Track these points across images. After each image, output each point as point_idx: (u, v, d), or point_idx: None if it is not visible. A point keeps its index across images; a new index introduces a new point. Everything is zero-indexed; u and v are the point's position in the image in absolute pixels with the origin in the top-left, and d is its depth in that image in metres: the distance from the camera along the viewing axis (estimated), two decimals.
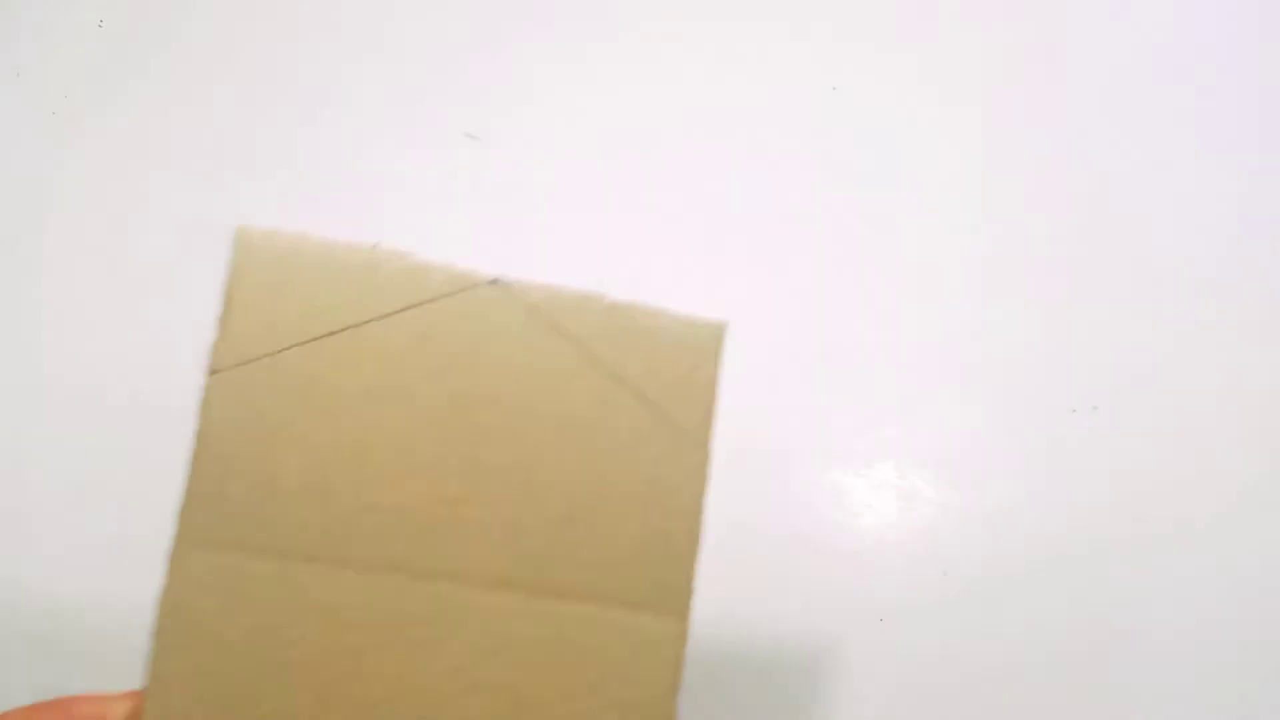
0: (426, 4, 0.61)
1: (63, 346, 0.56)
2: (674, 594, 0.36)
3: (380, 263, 0.35)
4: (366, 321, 0.35)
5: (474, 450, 0.35)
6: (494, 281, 0.36)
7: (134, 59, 0.61)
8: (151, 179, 0.59)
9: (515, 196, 0.59)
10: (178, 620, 0.33)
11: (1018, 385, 0.59)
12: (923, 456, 0.58)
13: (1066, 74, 0.64)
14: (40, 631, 0.51)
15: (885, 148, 0.60)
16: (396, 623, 0.34)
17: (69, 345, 0.56)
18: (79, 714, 0.34)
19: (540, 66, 0.61)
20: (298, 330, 0.35)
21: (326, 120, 0.58)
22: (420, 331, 0.35)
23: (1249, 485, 0.58)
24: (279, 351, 0.35)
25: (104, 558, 0.51)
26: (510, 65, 0.61)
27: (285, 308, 0.35)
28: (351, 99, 0.59)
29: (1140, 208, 0.63)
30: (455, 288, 0.36)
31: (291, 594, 0.34)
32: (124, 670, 0.55)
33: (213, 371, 0.34)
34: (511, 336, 0.36)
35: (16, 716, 0.33)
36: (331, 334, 0.35)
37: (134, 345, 0.55)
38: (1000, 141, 0.63)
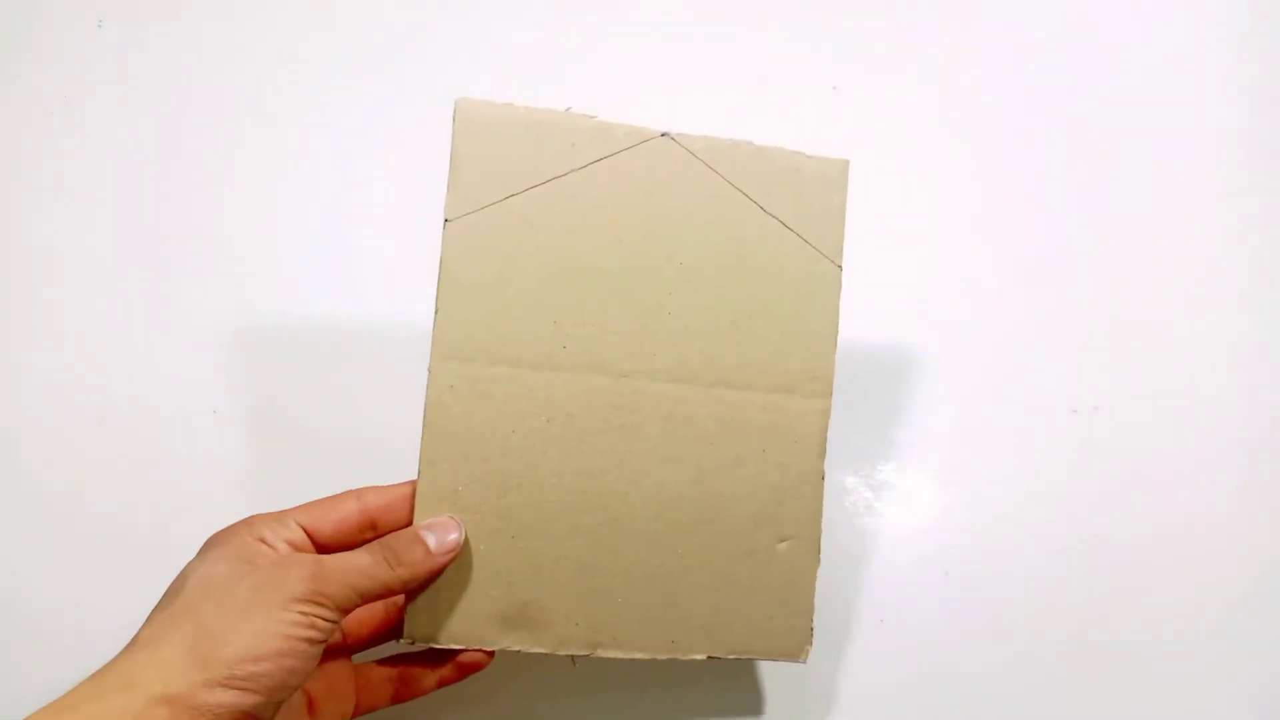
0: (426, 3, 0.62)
1: (62, 345, 0.56)
2: (818, 381, 0.45)
3: (573, 124, 0.43)
4: (568, 172, 0.43)
5: (658, 271, 0.44)
6: (664, 134, 0.44)
7: (134, 59, 0.60)
8: (151, 179, 0.58)
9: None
10: (438, 417, 0.42)
11: (1018, 385, 0.59)
12: (923, 456, 0.57)
13: (1066, 74, 0.64)
14: (41, 632, 0.52)
15: (885, 147, 0.61)
16: (605, 412, 0.43)
17: (69, 343, 0.56)
18: (368, 500, 0.42)
19: (538, 73, 0.61)
20: (513, 181, 0.42)
21: (327, 120, 0.59)
22: (611, 177, 0.43)
23: (1249, 484, 0.58)
24: (500, 200, 0.42)
25: (103, 556, 0.53)
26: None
27: (502, 163, 0.42)
28: (352, 99, 0.59)
29: (1141, 209, 0.62)
30: (635, 140, 0.43)
31: (524, 393, 0.43)
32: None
33: (447, 220, 0.42)
34: (681, 177, 0.44)
35: (317, 506, 0.41)
36: (541, 183, 0.43)
37: (134, 345, 0.56)
38: (1001, 142, 0.62)
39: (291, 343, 0.56)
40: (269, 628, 0.35)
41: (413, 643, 0.42)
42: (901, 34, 0.65)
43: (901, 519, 0.57)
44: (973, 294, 0.61)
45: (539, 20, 0.63)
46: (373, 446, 0.54)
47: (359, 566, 0.38)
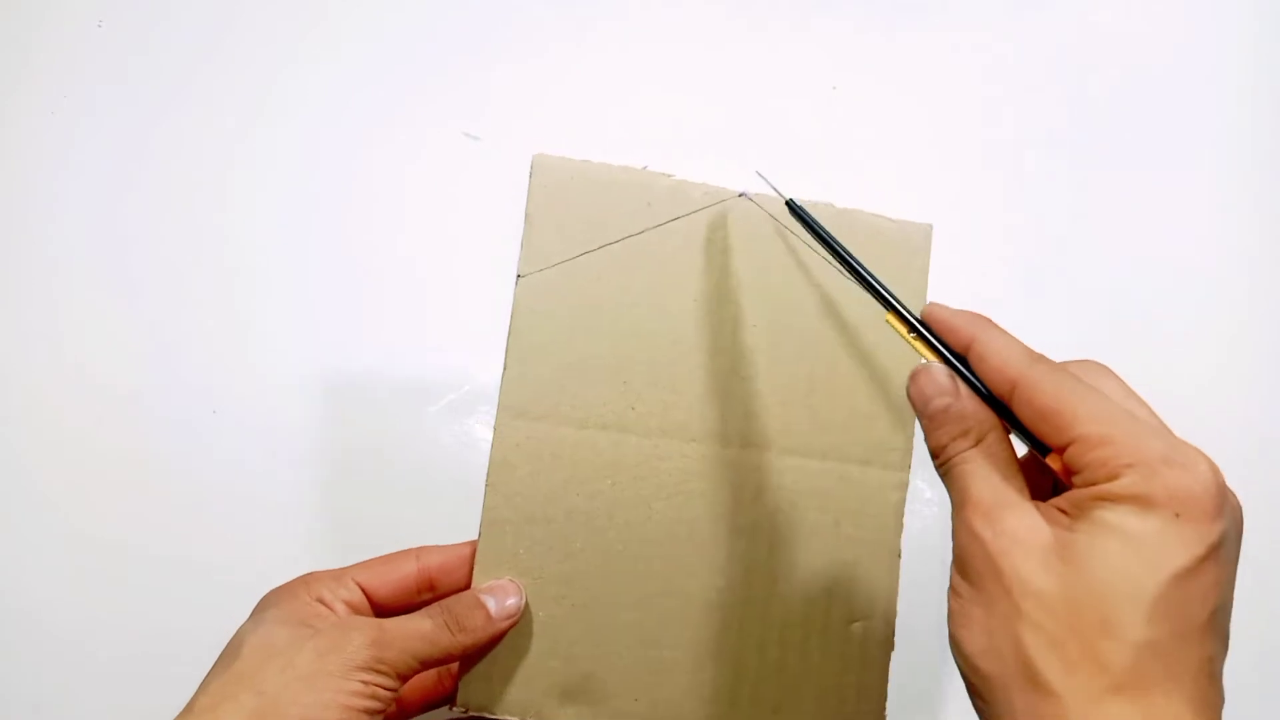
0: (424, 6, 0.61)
1: (62, 345, 0.55)
2: (897, 453, 0.43)
3: (650, 182, 0.42)
4: (643, 230, 0.42)
5: (732, 335, 0.42)
6: (742, 194, 0.43)
7: (134, 59, 0.60)
8: (151, 179, 0.58)
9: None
10: (502, 476, 0.41)
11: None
12: (923, 456, 0.57)
13: (1067, 72, 0.63)
14: (42, 631, 0.52)
15: (884, 146, 0.60)
16: (674, 477, 0.42)
17: (68, 343, 0.55)
18: (428, 560, 0.41)
19: (536, 73, 0.60)
20: (587, 239, 0.42)
21: (326, 120, 0.58)
22: (687, 237, 0.42)
23: (1247, 485, 0.56)
24: (573, 257, 0.42)
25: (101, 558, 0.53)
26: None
27: (576, 220, 0.42)
28: (351, 99, 0.59)
29: (1141, 208, 0.62)
30: (712, 200, 0.42)
31: (591, 455, 0.42)
32: (121, 670, 0.52)
33: (520, 276, 0.41)
34: (758, 238, 0.43)
35: (376, 564, 0.40)
36: (615, 241, 0.42)
37: (133, 344, 0.55)
38: (1002, 141, 0.62)
39: (296, 344, 0.56)
40: (332, 698, 0.34)
41: (465, 711, 0.40)
42: (902, 34, 0.64)
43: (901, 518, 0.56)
44: (970, 294, 0.61)
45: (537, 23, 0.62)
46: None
47: (420, 632, 0.37)
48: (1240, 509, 0.29)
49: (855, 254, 0.43)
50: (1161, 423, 0.30)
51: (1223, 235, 0.62)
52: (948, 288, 0.60)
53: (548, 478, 0.41)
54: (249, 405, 0.55)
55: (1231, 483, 0.56)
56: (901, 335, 0.34)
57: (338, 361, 0.56)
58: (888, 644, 0.43)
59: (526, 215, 0.41)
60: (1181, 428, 0.56)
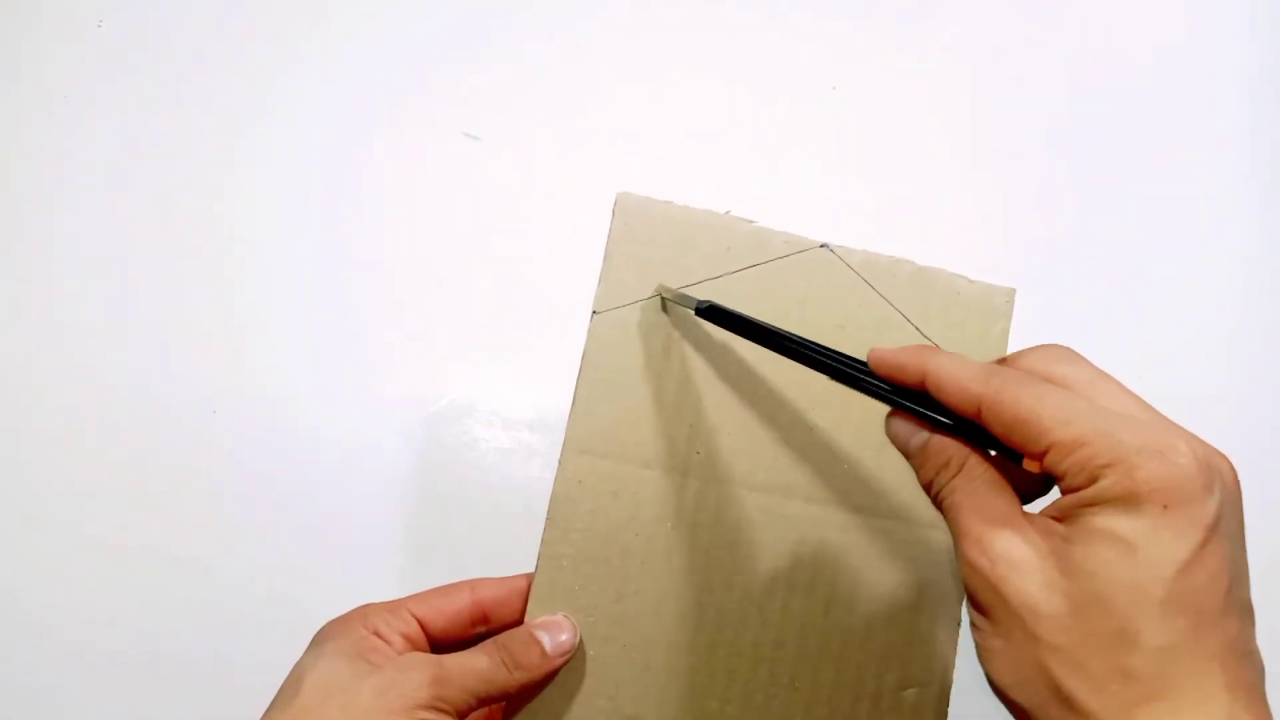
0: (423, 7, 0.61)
1: (62, 345, 0.55)
2: None
3: (731, 227, 0.42)
4: (720, 275, 0.42)
5: (805, 385, 0.42)
6: (823, 246, 0.42)
7: (134, 59, 0.59)
8: (151, 179, 0.58)
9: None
10: (563, 511, 0.41)
11: None
12: None
13: (1064, 73, 0.62)
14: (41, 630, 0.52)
15: (883, 146, 0.59)
16: (733, 525, 0.41)
17: (68, 343, 0.55)
18: (482, 593, 0.41)
19: (536, 73, 0.59)
20: (665, 279, 0.42)
21: (326, 120, 0.58)
22: (764, 284, 0.42)
23: (1247, 485, 0.54)
24: (649, 298, 0.42)
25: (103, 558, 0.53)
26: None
27: (654, 261, 0.42)
28: (351, 98, 0.59)
29: (1142, 207, 0.61)
30: (792, 249, 0.42)
31: (652, 496, 0.41)
32: (120, 670, 0.52)
33: (595, 312, 0.42)
34: (837, 291, 0.42)
35: (431, 596, 0.40)
36: (692, 285, 0.42)
37: (133, 344, 0.55)
38: (1001, 141, 0.61)
39: (296, 344, 0.56)
40: None
41: None
42: (902, 33, 0.63)
43: None
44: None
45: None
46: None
47: (478, 670, 0.37)
48: (1230, 471, 0.28)
49: (932, 314, 0.42)
50: (1134, 399, 0.29)
51: (1225, 233, 0.61)
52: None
53: (607, 516, 0.41)
54: (249, 405, 0.55)
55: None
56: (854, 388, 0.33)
57: (338, 361, 0.56)
58: (941, 713, 0.42)
59: (606, 252, 0.42)
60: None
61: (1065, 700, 0.26)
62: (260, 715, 0.36)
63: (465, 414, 0.55)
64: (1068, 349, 0.31)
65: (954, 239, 0.59)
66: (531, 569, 0.41)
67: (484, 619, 0.40)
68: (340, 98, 0.60)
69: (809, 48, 0.63)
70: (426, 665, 0.36)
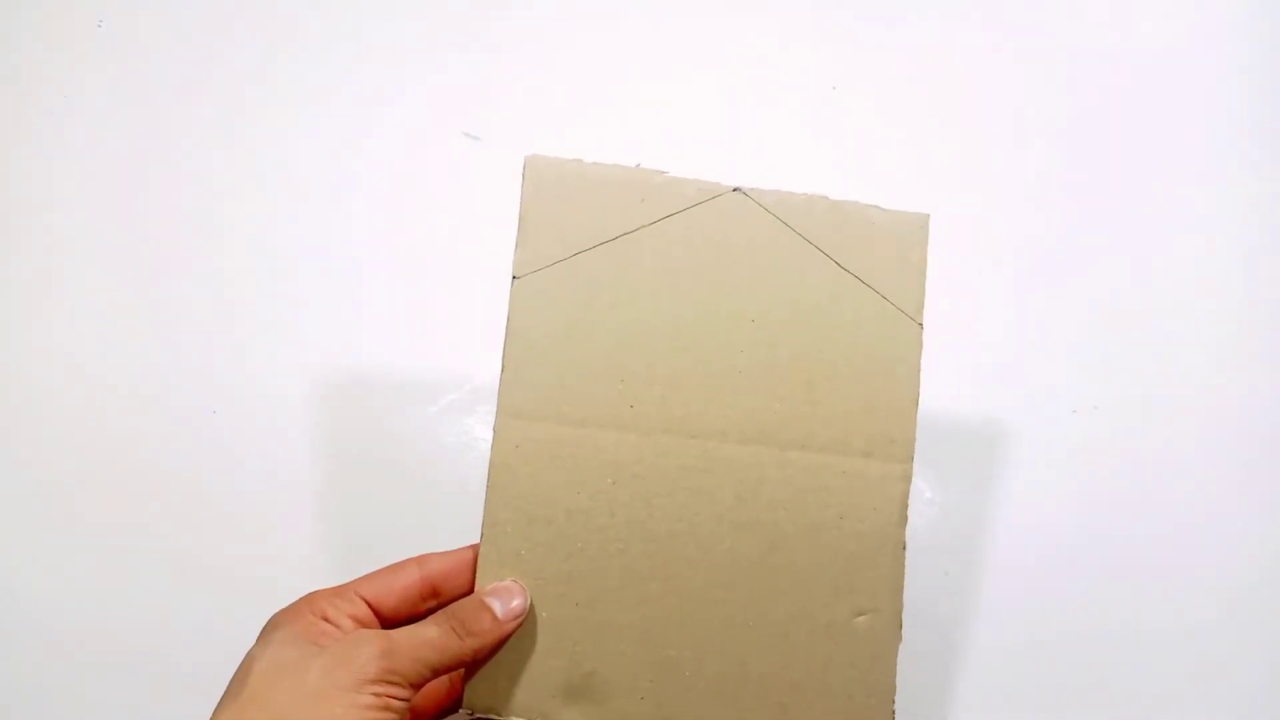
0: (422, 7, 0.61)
1: (63, 345, 0.55)
2: (898, 445, 0.43)
3: (643, 179, 0.42)
4: (637, 228, 0.42)
5: (730, 330, 0.42)
6: (736, 189, 0.43)
7: (134, 59, 0.60)
8: (151, 179, 0.58)
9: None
10: (502, 478, 0.41)
11: (1018, 385, 0.58)
12: (923, 456, 0.56)
13: (1066, 72, 0.63)
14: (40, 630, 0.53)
15: (884, 147, 0.60)
16: (674, 474, 0.42)
17: (68, 343, 0.55)
18: (431, 566, 0.41)
19: (532, 77, 0.60)
20: (582, 238, 0.42)
21: (326, 120, 0.58)
22: (681, 233, 0.42)
23: (1248, 485, 0.56)
24: (568, 257, 0.42)
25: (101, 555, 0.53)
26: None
27: (570, 220, 0.42)
28: (351, 99, 0.59)
29: (1141, 206, 0.61)
30: (706, 196, 0.42)
31: (590, 454, 0.41)
32: (123, 668, 0.52)
33: (515, 277, 0.41)
34: (754, 234, 0.43)
35: (379, 575, 0.40)
36: (610, 240, 0.42)
37: (134, 343, 0.55)
38: (1000, 140, 0.61)
39: (295, 344, 0.56)
40: (345, 712, 0.34)
41: (472, 714, 0.40)
42: (901, 33, 0.63)
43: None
44: (970, 293, 0.60)
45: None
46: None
47: (428, 640, 0.37)
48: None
49: (850, 247, 0.43)
50: None
51: (1222, 232, 0.62)
52: (947, 283, 0.61)
53: (548, 478, 0.41)
54: (249, 405, 0.55)
55: (1232, 480, 0.56)
56: None
57: (338, 361, 0.56)
58: (895, 637, 0.42)
59: (520, 216, 0.41)
60: (1181, 426, 0.56)
61: None
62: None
63: (466, 413, 0.56)
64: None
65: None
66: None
67: (434, 593, 0.40)
68: (340, 98, 0.60)
69: (810, 47, 0.62)
70: (375, 640, 0.36)
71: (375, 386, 0.55)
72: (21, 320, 0.56)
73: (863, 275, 0.43)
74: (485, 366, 0.55)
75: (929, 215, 0.44)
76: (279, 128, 0.59)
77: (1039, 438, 0.57)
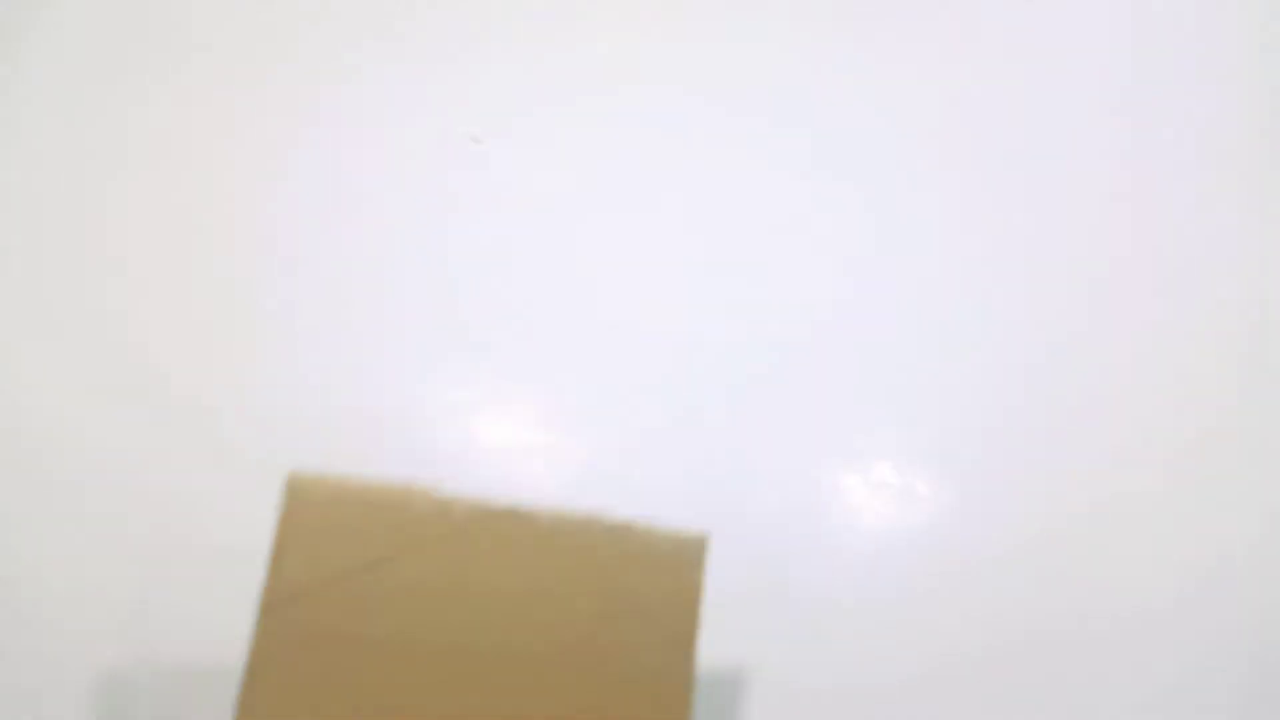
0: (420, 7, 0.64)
1: (61, 345, 0.55)
2: None
3: (412, 500, 0.40)
4: (400, 553, 0.40)
5: (494, 658, 0.40)
6: (510, 510, 0.41)
7: (134, 59, 0.61)
8: (151, 179, 0.58)
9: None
10: None
11: (1017, 386, 0.60)
12: (922, 456, 0.58)
13: (1060, 83, 0.66)
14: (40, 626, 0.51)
15: (879, 155, 0.63)
16: None
17: (67, 343, 0.55)
18: None
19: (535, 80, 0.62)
20: (343, 563, 0.39)
21: (326, 120, 0.60)
22: (449, 556, 0.40)
23: (1247, 484, 0.57)
24: (326, 585, 0.39)
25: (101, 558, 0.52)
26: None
27: (331, 545, 0.39)
28: (351, 100, 0.60)
29: (1138, 206, 0.64)
30: (477, 516, 0.41)
31: None
32: (123, 668, 0.51)
33: (265, 610, 0.38)
34: (526, 556, 0.41)
35: None
36: (373, 563, 0.40)
37: (131, 342, 0.56)
38: (996, 145, 0.64)
39: (295, 344, 0.56)
40: None
41: None
42: (899, 37, 0.67)
43: (900, 519, 0.58)
44: (969, 293, 0.62)
45: None
46: None
47: None
48: None
49: (626, 572, 0.42)
50: None
51: (1219, 231, 0.64)
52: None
53: None
54: (249, 405, 0.54)
55: (1230, 481, 0.58)
56: None
57: (338, 361, 0.56)
58: None
59: (276, 541, 0.39)
60: (1179, 426, 0.58)
61: None
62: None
63: (465, 413, 0.55)
64: None
65: None
66: None
67: None
68: (340, 99, 0.61)
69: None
70: None
71: (375, 386, 0.55)
72: (19, 320, 0.57)
73: (636, 600, 0.42)
74: (486, 366, 0.56)
75: (708, 536, 0.43)
76: (279, 128, 0.61)
77: (1039, 438, 0.59)
